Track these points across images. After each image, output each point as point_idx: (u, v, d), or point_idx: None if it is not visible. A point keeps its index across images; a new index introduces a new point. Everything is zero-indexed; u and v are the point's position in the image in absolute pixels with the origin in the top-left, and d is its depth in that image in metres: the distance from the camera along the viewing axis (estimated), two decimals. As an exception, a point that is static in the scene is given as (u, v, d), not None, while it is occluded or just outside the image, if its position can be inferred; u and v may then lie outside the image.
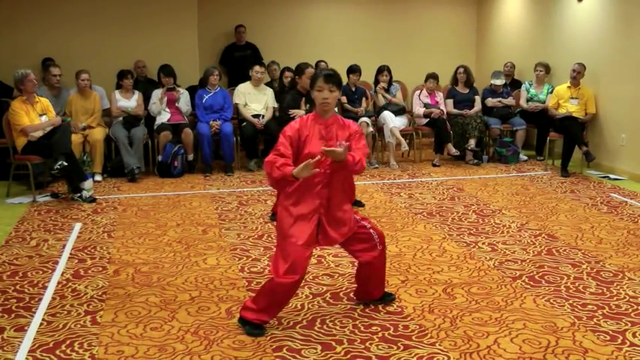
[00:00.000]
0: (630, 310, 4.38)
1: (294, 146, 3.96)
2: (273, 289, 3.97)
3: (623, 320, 4.21)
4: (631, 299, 4.57)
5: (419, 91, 10.17)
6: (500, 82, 10.23)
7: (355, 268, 5.07)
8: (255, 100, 9.40)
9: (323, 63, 10.33)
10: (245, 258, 5.50)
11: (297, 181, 3.87)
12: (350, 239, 4.18)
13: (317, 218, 4.01)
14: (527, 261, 5.38)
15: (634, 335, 3.99)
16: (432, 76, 10.06)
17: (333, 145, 3.93)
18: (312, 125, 4.02)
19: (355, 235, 4.17)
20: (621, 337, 3.96)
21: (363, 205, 7.12)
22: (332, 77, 4.00)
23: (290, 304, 4.45)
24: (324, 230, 4.04)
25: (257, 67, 9.45)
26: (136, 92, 9.34)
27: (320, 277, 5.00)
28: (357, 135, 4.08)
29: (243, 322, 4.07)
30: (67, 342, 3.93)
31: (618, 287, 4.80)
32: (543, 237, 6.06)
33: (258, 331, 4.02)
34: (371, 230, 4.22)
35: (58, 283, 4.93)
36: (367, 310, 4.38)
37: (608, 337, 3.96)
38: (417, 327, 4.13)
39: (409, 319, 4.26)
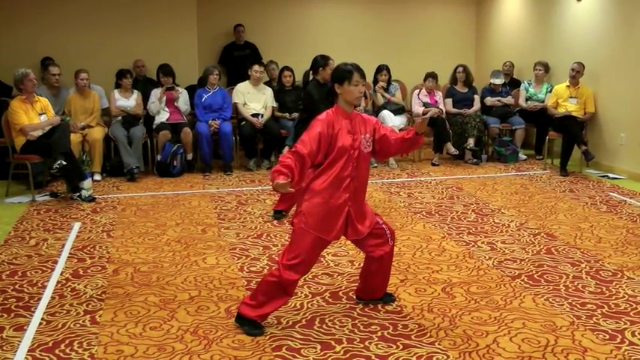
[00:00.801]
0: (629, 309, 4.39)
1: (324, 142, 3.95)
2: (275, 282, 3.98)
3: (622, 319, 4.21)
4: (630, 298, 4.57)
5: (418, 91, 10.17)
6: (499, 81, 10.24)
7: (355, 267, 5.10)
8: (255, 100, 9.40)
9: (322, 62, 10.33)
10: (244, 257, 5.50)
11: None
12: (366, 234, 4.21)
13: (346, 212, 4.06)
14: (527, 260, 5.39)
15: (633, 334, 3.99)
16: (431, 76, 10.06)
17: (358, 137, 4.04)
18: (340, 119, 4.04)
19: (370, 230, 4.21)
20: (620, 336, 3.96)
21: None
22: (363, 72, 4.11)
23: (289, 304, 4.46)
24: (353, 223, 4.10)
25: (256, 67, 9.45)
26: (135, 92, 9.34)
27: (319, 277, 5.00)
28: (379, 124, 4.24)
29: (241, 322, 4.07)
30: (67, 341, 3.93)
31: (617, 286, 4.80)
32: (542, 236, 6.06)
33: (257, 331, 4.02)
34: (384, 226, 4.26)
35: (58, 282, 4.93)
36: (366, 310, 4.38)
37: (607, 336, 3.96)
38: (417, 326, 4.13)
39: (408, 318, 4.26)
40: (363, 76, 4.09)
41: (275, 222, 6.56)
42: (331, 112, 4.06)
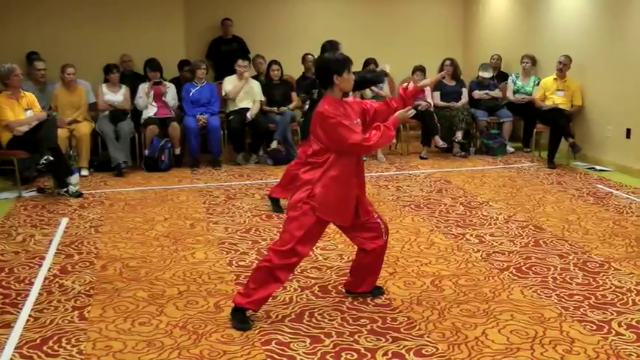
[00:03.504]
0: (616, 299, 4.41)
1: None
2: (268, 268, 4.01)
3: (609, 310, 4.24)
4: (617, 289, 4.60)
5: (406, 84, 10.14)
6: (488, 74, 10.25)
7: (344, 260, 5.11)
8: (242, 94, 9.37)
9: (310, 56, 10.32)
10: (233, 252, 5.49)
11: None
12: (358, 228, 4.25)
13: (356, 196, 4.15)
14: (515, 252, 5.41)
15: (619, 325, 4.02)
16: (419, 69, 10.06)
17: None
18: (338, 106, 4.07)
19: (364, 223, 4.24)
20: (607, 327, 3.99)
21: None
22: None
23: (278, 298, 4.46)
24: (363, 204, 4.21)
25: (240, 61, 9.41)
26: (123, 86, 9.29)
27: (308, 270, 5.00)
28: (362, 103, 4.40)
29: (233, 314, 4.08)
30: (55, 338, 3.92)
31: (604, 277, 4.83)
32: (530, 228, 6.09)
33: (245, 325, 4.02)
34: (378, 220, 4.31)
35: (45, 278, 4.91)
36: (356, 303, 4.39)
37: (595, 327, 3.99)
38: (406, 319, 4.14)
39: (397, 311, 4.27)
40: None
41: (265, 216, 6.55)
42: (330, 102, 4.07)
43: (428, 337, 3.89)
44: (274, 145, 9.09)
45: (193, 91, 9.27)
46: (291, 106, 9.67)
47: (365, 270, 4.41)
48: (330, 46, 7.22)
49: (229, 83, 9.43)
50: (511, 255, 5.35)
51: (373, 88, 9.89)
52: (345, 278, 4.64)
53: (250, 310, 4.10)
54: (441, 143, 9.53)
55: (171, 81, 9.67)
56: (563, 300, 4.41)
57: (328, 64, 4.13)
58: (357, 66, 9.91)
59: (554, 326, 4.01)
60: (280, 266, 3.99)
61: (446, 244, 5.64)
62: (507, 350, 3.71)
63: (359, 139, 3.97)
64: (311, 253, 5.37)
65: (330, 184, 4.03)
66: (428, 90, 10.10)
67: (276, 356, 3.68)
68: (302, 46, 10.68)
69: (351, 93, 4.67)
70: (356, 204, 4.16)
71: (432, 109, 9.76)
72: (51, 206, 7.06)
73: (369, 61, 9.91)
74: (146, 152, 8.92)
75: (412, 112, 4.26)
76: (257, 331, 3.98)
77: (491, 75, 10.35)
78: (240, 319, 4.05)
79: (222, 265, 5.17)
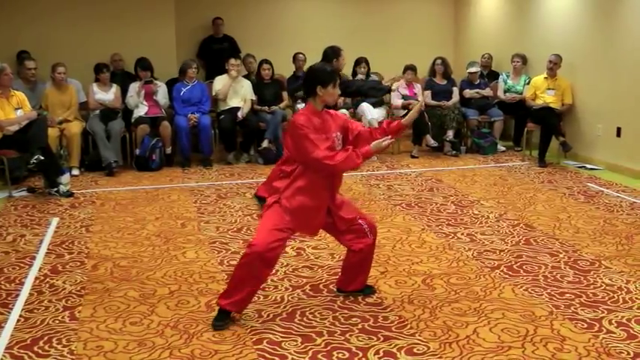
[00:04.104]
0: (607, 297, 4.43)
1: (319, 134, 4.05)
2: (245, 263, 3.98)
3: (600, 308, 4.26)
4: (607, 287, 4.61)
5: (397, 83, 10.18)
6: (475, 69, 10.26)
7: (335, 259, 5.11)
8: (233, 93, 9.37)
9: (301, 55, 10.33)
10: (224, 251, 5.49)
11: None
12: (342, 231, 4.25)
13: (326, 208, 4.14)
14: (506, 251, 5.42)
15: (610, 322, 4.03)
16: (410, 68, 10.08)
17: (331, 136, 4.07)
18: (313, 118, 4.05)
19: (351, 225, 4.24)
20: (598, 325, 4.00)
21: None
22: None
23: (269, 297, 4.47)
24: (338, 215, 4.19)
25: (232, 60, 9.41)
26: (114, 85, 9.27)
27: (300, 270, 5.00)
28: (348, 122, 4.30)
29: (219, 316, 4.08)
30: (45, 338, 3.91)
31: (595, 276, 4.84)
32: (521, 227, 6.10)
33: (219, 323, 4.02)
34: (361, 221, 4.28)
35: (36, 278, 4.90)
36: (347, 302, 4.39)
37: (585, 325, 4.00)
38: (397, 318, 4.14)
39: (389, 310, 4.27)
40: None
41: (255, 215, 6.55)
42: (306, 112, 4.07)
43: (419, 335, 3.90)
44: (265, 144, 9.08)
45: (184, 90, 9.26)
46: (282, 105, 9.67)
47: (355, 269, 4.42)
48: (332, 52, 7.19)
49: (219, 83, 9.42)
50: (502, 253, 5.36)
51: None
52: (337, 277, 4.64)
53: (234, 313, 4.09)
54: (432, 142, 9.54)
55: (168, 82, 9.65)
56: (554, 298, 4.43)
57: (315, 74, 4.11)
58: (348, 65, 10.00)
59: (545, 324, 4.02)
60: (257, 262, 3.94)
61: (437, 243, 5.64)
62: (498, 348, 3.72)
63: (321, 156, 3.93)
64: (302, 252, 5.38)
65: (296, 195, 4.03)
66: (419, 89, 10.12)
67: (267, 355, 3.67)
68: (293, 45, 10.69)
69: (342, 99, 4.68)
70: (332, 215, 4.16)
71: (422, 108, 9.76)
72: (41, 206, 7.04)
73: (359, 60, 9.91)
74: (137, 151, 8.90)
75: (388, 142, 4.16)
76: (248, 330, 3.98)
77: (478, 70, 10.35)
78: (220, 318, 4.05)
79: (214, 264, 5.17)
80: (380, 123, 9.31)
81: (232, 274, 4.08)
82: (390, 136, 4.18)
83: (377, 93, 7.58)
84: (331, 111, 4.26)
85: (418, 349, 3.72)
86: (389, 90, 7.48)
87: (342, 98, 9.63)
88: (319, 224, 4.17)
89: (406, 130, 4.31)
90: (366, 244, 4.29)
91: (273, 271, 4.93)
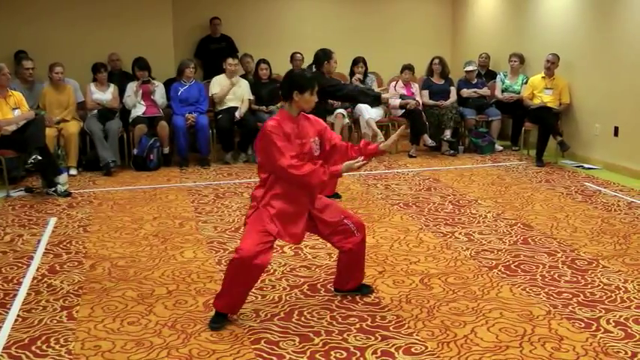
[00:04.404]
0: (604, 297, 4.44)
1: (287, 142, 4.00)
2: (232, 266, 3.97)
3: (598, 307, 4.26)
4: (605, 287, 4.62)
5: (394, 83, 10.19)
6: (472, 67, 10.27)
7: (333, 259, 5.11)
8: (231, 93, 9.36)
9: (298, 55, 10.33)
10: (222, 251, 5.48)
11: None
12: (331, 232, 4.23)
13: (307, 213, 4.11)
14: (503, 250, 5.42)
15: (608, 322, 4.04)
16: (408, 68, 10.08)
17: (307, 142, 4.05)
18: (285, 124, 4.02)
19: (336, 228, 4.22)
20: (595, 324, 4.01)
21: (339, 197, 7.12)
22: (321, 81, 4.17)
23: (267, 296, 4.47)
24: (320, 219, 4.16)
25: (230, 60, 9.43)
26: (112, 85, 9.26)
27: (297, 269, 5.01)
28: (326, 130, 4.24)
29: (215, 318, 4.07)
30: (43, 338, 3.91)
31: (593, 275, 4.85)
32: (519, 226, 6.11)
33: (215, 325, 4.01)
34: (346, 221, 4.25)
35: (34, 278, 4.90)
36: (345, 302, 4.39)
37: (583, 325, 4.01)
38: (395, 317, 4.14)
39: (387, 309, 4.27)
40: (319, 84, 4.14)
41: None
42: (276, 118, 4.05)
43: (417, 335, 3.90)
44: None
45: (182, 90, 9.25)
46: (279, 104, 9.65)
47: (348, 268, 4.42)
48: (324, 54, 7.21)
49: (217, 86, 9.41)
50: (500, 253, 5.36)
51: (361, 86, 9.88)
52: (334, 277, 4.63)
53: (229, 315, 4.09)
54: (429, 142, 9.54)
55: (165, 82, 9.64)
56: (551, 298, 4.43)
57: (293, 79, 4.09)
58: (345, 65, 10.00)
59: (542, 324, 4.02)
60: (245, 267, 3.91)
61: (435, 243, 5.65)
62: (496, 348, 3.72)
63: (286, 164, 3.89)
64: (299, 252, 5.38)
65: (274, 201, 4.01)
66: (416, 88, 10.12)
67: (265, 355, 3.67)
68: (291, 45, 10.69)
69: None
70: (314, 219, 4.15)
71: (420, 108, 9.78)
72: (39, 206, 7.03)
73: (357, 60, 9.91)
74: (135, 151, 8.89)
75: (360, 164, 4.07)
76: (246, 330, 3.98)
77: (475, 68, 10.36)
78: (217, 319, 4.05)
79: (211, 264, 5.17)
80: (377, 122, 9.37)
81: (223, 278, 4.06)
82: (363, 158, 4.12)
83: (367, 99, 7.57)
84: (310, 116, 4.21)
85: (416, 349, 3.72)
86: (379, 97, 7.47)
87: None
88: (301, 231, 4.11)
89: (383, 154, 4.26)
90: (355, 242, 4.27)
91: (271, 270, 4.96)
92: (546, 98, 9.25)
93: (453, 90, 10.20)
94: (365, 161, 4.13)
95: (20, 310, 4.32)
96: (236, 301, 4.07)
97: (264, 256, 3.93)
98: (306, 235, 4.26)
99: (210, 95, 9.48)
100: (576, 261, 5.16)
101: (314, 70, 7.22)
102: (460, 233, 5.91)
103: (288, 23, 11.65)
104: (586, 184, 7.81)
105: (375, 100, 7.57)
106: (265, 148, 3.98)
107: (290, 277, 4.85)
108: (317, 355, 3.66)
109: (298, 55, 10.32)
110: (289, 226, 4.04)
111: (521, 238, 5.77)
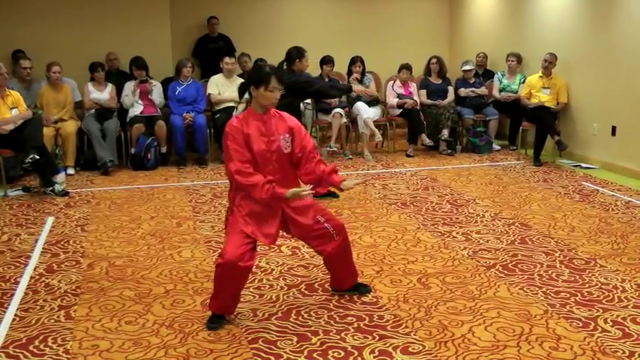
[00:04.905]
0: (602, 296, 4.44)
1: (244, 143, 3.93)
2: (216, 270, 3.97)
3: (595, 307, 4.26)
4: (603, 286, 4.62)
5: (392, 82, 10.18)
6: (469, 67, 10.28)
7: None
8: (228, 92, 9.36)
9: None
10: (220, 250, 5.46)
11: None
12: (306, 237, 4.23)
13: (280, 213, 4.04)
14: (501, 250, 5.42)
15: (605, 321, 4.04)
16: (405, 67, 10.08)
17: (276, 139, 3.97)
18: (250, 122, 3.98)
19: (312, 231, 4.18)
20: (593, 324, 4.01)
21: (337, 197, 7.10)
22: (282, 77, 3.99)
23: (265, 296, 4.47)
24: (294, 220, 4.08)
25: (227, 59, 9.43)
26: (109, 84, 9.27)
27: (295, 269, 5.00)
28: (300, 129, 4.11)
29: (211, 318, 4.07)
30: (41, 337, 3.90)
31: (590, 274, 4.85)
32: (517, 226, 6.11)
33: (212, 325, 4.01)
34: (325, 224, 4.19)
35: (31, 277, 4.89)
36: (342, 301, 4.39)
37: (581, 324, 4.01)
38: (392, 317, 4.14)
39: (384, 309, 4.27)
40: (280, 81, 3.97)
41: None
42: (241, 116, 4.01)
43: (414, 334, 3.90)
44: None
45: (179, 89, 9.25)
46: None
47: (337, 270, 4.42)
48: (297, 52, 7.19)
49: (215, 86, 9.41)
50: (497, 252, 5.36)
51: (359, 85, 9.88)
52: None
53: (226, 316, 4.09)
54: (427, 141, 9.55)
55: (163, 81, 9.64)
56: (549, 297, 4.43)
57: (250, 73, 4.07)
58: (343, 64, 10.01)
59: (540, 323, 4.03)
60: (231, 270, 3.88)
61: (432, 242, 5.65)
62: (494, 347, 3.72)
63: (234, 169, 3.87)
64: (297, 251, 5.38)
65: (244, 202, 3.99)
66: (414, 88, 10.12)
67: (263, 354, 3.67)
68: (288, 44, 10.56)
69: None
70: (286, 220, 4.07)
71: (418, 107, 9.78)
72: (37, 205, 7.03)
73: (355, 59, 9.90)
74: (132, 151, 8.89)
75: (307, 193, 3.94)
76: (244, 329, 3.98)
77: (473, 68, 10.36)
78: (213, 320, 4.05)
79: (209, 263, 5.16)
80: (375, 122, 9.35)
81: (213, 282, 4.04)
82: (312, 187, 3.99)
83: (339, 93, 7.52)
84: (283, 113, 4.14)
85: (413, 348, 3.72)
86: (350, 89, 7.42)
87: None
88: (275, 231, 4.02)
89: (339, 189, 4.14)
90: (334, 246, 4.22)
91: (269, 270, 4.96)
92: (544, 98, 9.26)
93: (451, 89, 10.20)
94: (312, 191, 3.98)
95: (18, 309, 4.32)
96: (228, 303, 4.06)
97: (249, 257, 3.89)
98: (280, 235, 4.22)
99: (207, 95, 9.48)
100: (574, 260, 5.16)
101: (285, 67, 7.19)
102: (458, 233, 5.91)
103: (286, 23, 11.64)
104: (584, 183, 7.82)
105: (345, 92, 7.49)
106: (223, 148, 3.99)
107: (288, 277, 4.85)
108: (315, 355, 3.66)
109: (296, 54, 10.31)
110: (263, 226, 3.99)
111: (519, 237, 5.77)
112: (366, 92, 7.73)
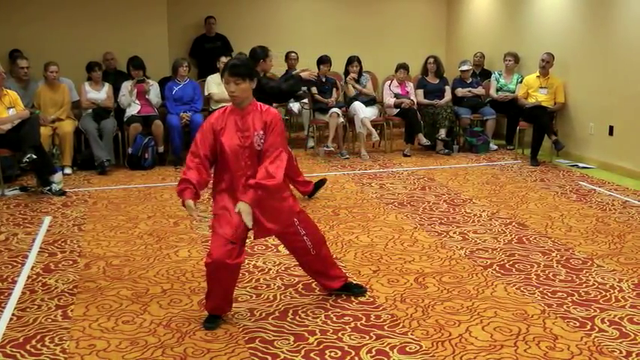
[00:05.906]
0: (599, 296, 4.44)
1: (209, 139, 4.00)
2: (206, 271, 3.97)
3: (592, 307, 4.27)
4: (600, 286, 4.63)
5: (389, 82, 10.18)
6: (466, 67, 10.28)
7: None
8: (226, 93, 9.35)
9: (293, 54, 10.34)
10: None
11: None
12: (286, 240, 4.25)
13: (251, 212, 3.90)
14: (498, 249, 5.43)
15: (602, 321, 4.04)
16: (403, 67, 10.07)
17: (250, 135, 3.92)
18: (229, 116, 4.00)
19: (291, 239, 4.19)
20: (590, 324, 4.01)
21: (324, 182, 7.18)
22: (236, 68, 3.90)
23: (262, 295, 4.47)
24: (258, 221, 3.96)
25: (223, 58, 9.41)
26: (106, 84, 9.26)
27: (292, 268, 5.00)
28: (272, 125, 3.96)
29: (208, 318, 4.08)
30: (38, 337, 3.90)
31: (587, 274, 4.86)
32: (514, 225, 6.11)
33: (209, 325, 4.00)
34: (304, 238, 4.16)
35: (28, 277, 4.89)
36: (339, 301, 4.39)
37: (578, 324, 4.01)
38: (389, 317, 4.15)
39: (381, 308, 4.27)
40: (241, 73, 3.89)
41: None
42: (224, 109, 4.07)
43: (412, 334, 3.90)
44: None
45: (176, 89, 9.24)
46: (274, 103, 9.64)
47: (319, 275, 4.42)
48: (262, 51, 7.14)
49: (214, 85, 9.41)
50: (494, 252, 5.37)
51: (356, 85, 9.88)
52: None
53: (223, 315, 4.09)
54: (424, 141, 9.55)
55: (160, 81, 9.63)
56: (546, 297, 4.44)
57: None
58: (340, 64, 10.00)
59: (537, 323, 4.03)
60: (220, 270, 3.87)
61: (429, 242, 5.65)
62: (491, 347, 3.72)
63: (187, 158, 4.02)
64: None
65: (217, 198, 4.06)
66: (411, 87, 10.13)
67: (260, 354, 3.67)
68: (285, 44, 10.69)
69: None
70: (255, 221, 3.92)
71: (415, 107, 9.78)
72: (34, 205, 7.02)
73: (352, 59, 9.90)
74: (129, 150, 8.88)
75: (249, 222, 3.83)
76: (241, 329, 3.98)
77: (470, 68, 10.36)
78: (210, 320, 4.05)
79: (206, 263, 5.16)
80: (372, 121, 9.35)
81: (206, 281, 4.04)
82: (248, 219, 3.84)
83: (299, 85, 7.37)
84: (265, 107, 4.04)
85: (410, 348, 3.72)
86: (301, 79, 7.26)
87: (334, 97, 9.65)
88: (237, 228, 3.86)
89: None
90: (307, 260, 4.27)
91: (266, 269, 4.96)
92: (541, 97, 9.27)
93: (448, 89, 10.21)
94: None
95: (15, 308, 4.32)
96: (221, 302, 4.04)
97: (237, 254, 3.86)
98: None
99: (206, 94, 9.47)
100: (571, 260, 5.17)
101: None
102: (455, 232, 5.92)
103: (283, 22, 11.65)
104: (581, 183, 7.82)
105: (299, 84, 7.32)
106: None
107: (285, 277, 4.85)
108: (312, 355, 3.66)
109: (293, 54, 10.34)
110: (231, 223, 3.89)
111: (516, 237, 5.77)
112: (311, 73, 7.57)
